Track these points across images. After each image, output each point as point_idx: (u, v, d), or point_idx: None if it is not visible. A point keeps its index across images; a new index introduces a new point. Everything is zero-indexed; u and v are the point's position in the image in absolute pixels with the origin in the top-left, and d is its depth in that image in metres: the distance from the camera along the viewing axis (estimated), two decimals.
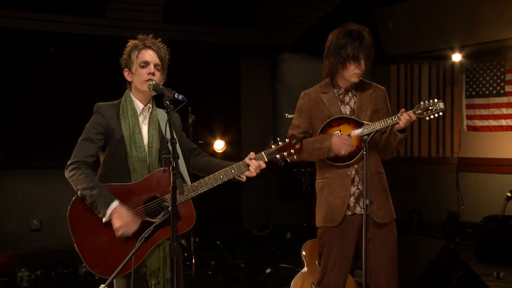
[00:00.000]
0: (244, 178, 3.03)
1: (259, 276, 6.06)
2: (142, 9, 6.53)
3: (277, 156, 2.97)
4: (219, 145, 7.16)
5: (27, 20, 6.18)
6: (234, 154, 7.22)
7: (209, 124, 7.32)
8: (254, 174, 2.98)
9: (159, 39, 3.08)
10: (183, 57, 6.33)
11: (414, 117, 3.28)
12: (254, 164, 2.95)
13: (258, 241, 7.12)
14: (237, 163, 2.99)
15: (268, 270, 6.08)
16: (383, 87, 3.56)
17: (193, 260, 6.37)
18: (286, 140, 2.97)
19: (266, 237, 6.54)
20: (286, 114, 7.65)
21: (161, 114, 3.08)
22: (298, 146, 2.96)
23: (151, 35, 3.06)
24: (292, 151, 2.96)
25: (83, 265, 5.94)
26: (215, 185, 2.95)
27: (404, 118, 3.25)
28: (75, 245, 2.88)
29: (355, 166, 3.39)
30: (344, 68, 3.33)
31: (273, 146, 2.98)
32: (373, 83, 3.54)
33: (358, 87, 3.45)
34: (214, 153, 7.00)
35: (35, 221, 6.53)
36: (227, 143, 7.30)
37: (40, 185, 6.57)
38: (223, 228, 7.35)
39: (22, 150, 6.38)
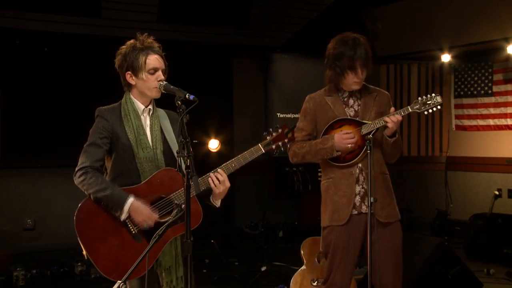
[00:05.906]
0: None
1: (253, 274, 6.11)
2: (136, 9, 6.53)
3: (273, 146, 3.03)
4: (213, 144, 7.18)
5: (21, 19, 6.15)
6: (227, 153, 7.24)
7: (202, 123, 7.32)
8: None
9: (152, 37, 3.07)
10: (176, 57, 6.34)
11: (400, 118, 3.31)
12: None
13: (250, 239, 7.15)
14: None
15: (263, 268, 6.13)
16: (387, 92, 3.64)
17: None
18: (279, 130, 3.04)
19: (261, 235, 6.59)
20: (278, 114, 7.73)
21: (162, 114, 3.10)
22: (290, 135, 3.05)
23: (145, 34, 3.05)
24: (285, 140, 3.04)
25: (79, 264, 6.02)
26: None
27: (391, 118, 3.31)
28: (84, 253, 2.86)
29: (359, 165, 3.44)
30: (343, 77, 3.40)
31: (268, 138, 3.04)
32: (377, 88, 3.62)
33: (362, 91, 3.52)
34: (208, 153, 7.02)
35: (28, 220, 6.51)
36: (220, 142, 7.32)
37: (33, 185, 6.54)
38: (215, 226, 7.35)
39: (16, 149, 6.34)
